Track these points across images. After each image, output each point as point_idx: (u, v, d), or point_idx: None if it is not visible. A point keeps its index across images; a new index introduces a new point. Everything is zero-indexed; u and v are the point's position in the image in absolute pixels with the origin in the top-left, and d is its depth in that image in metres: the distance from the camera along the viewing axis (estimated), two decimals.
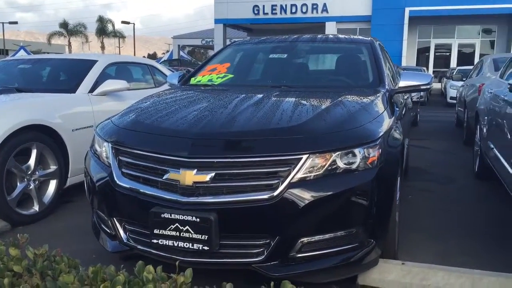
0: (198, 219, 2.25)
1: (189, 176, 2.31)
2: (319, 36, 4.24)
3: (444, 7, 23.96)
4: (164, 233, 2.33)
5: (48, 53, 16.74)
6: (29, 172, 3.77)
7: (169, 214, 2.30)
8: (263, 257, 2.30)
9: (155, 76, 5.88)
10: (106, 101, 4.68)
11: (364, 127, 2.51)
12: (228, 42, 28.64)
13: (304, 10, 27.14)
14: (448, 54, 27.22)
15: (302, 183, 2.26)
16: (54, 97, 4.24)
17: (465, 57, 25.86)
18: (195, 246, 2.29)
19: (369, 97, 2.98)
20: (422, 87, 3.44)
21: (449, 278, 2.58)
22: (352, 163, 2.35)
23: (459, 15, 23.85)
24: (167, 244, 2.34)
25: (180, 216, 2.28)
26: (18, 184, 3.70)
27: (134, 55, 46.39)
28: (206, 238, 2.26)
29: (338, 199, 2.31)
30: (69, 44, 53.97)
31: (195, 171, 2.31)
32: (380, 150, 2.43)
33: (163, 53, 47.92)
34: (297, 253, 2.32)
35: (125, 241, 2.56)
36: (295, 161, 2.28)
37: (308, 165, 2.28)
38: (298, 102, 2.90)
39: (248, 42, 4.41)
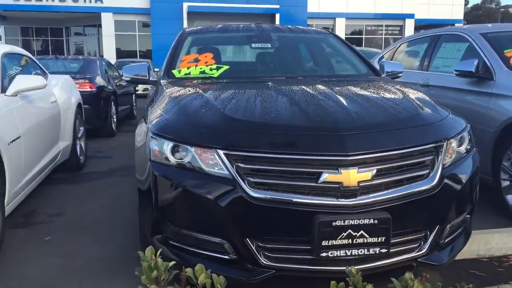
0: (376, 221, 2.07)
1: (353, 176, 2.09)
2: (278, 26, 4.16)
3: (218, 4, 25.62)
4: (335, 243, 2.05)
5: None
6: None
7: (342, 221, 2.04)
8: (425, 249, 2.27)
9: (37, 71, 4.72)
10: (22, 103, 3.59)
11: (453, 114, 2.67)
12: None
13: None
14: None
15: (449, 169, 2.32)
16: None
17: None
18: (371, 251, 2.10)
19: (400, 85, 3.15)
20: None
21: (503, 238, 2.99)
22: (462, 145, 2.49)
23: (232, 13, 25.77)
24: (338, 255, 2.07)
25: (355, 221, 2.05)
26: None
27: None
28: (383, 240, 2.09)
29: (472, 180, 2.44)
30: None
31: (356, 169, 2.10)
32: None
33: None
34: (444, 239, 2.36)
35: (266, 263, 2.12)
36: (437, 148, 2.30)
37: (446, 151, 2.33)
38: (369, 91, 2.88)
39: (207, 30, 4.01)
